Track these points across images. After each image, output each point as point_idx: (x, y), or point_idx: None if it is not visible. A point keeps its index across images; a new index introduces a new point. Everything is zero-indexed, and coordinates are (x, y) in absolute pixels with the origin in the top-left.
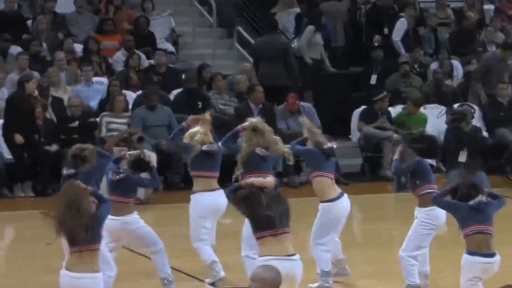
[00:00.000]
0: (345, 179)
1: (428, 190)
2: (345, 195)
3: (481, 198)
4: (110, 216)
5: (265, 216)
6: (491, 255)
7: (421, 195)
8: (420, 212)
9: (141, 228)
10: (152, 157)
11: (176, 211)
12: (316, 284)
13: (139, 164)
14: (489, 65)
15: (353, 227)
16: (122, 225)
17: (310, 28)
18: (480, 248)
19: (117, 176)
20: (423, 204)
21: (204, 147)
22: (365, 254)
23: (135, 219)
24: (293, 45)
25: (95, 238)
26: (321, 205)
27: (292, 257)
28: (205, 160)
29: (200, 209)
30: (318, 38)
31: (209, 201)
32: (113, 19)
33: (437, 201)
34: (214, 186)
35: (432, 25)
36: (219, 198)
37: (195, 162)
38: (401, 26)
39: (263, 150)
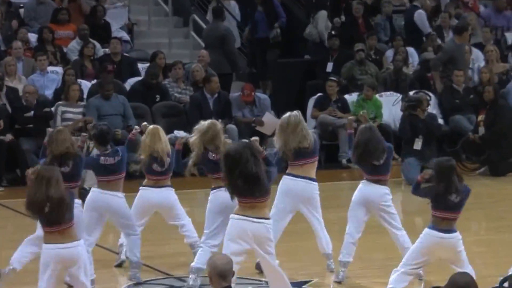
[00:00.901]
0: None
1: None
2: None
3: None
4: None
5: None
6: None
7: None
8: None
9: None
10: None
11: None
12: None
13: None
14: (451, 54)
15: None
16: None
17: (324, 13)
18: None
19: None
20: None
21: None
22: None
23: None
24: (307, 31)
25: (72, 215)
26: None
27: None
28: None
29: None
30: (328, 22)
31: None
32: (68, 8)
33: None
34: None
35: (387, 12)
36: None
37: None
38: (422, 17)
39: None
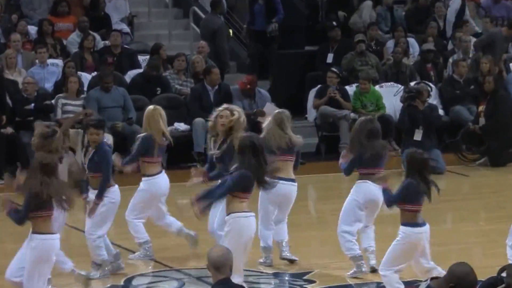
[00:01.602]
0: (301, 159)
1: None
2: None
3: None
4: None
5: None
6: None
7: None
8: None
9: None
10: (110, 139)
11: (131, 193)
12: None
13: None
14: (494, 38)
15: (309, 206)
16: None
17: (369, 3)
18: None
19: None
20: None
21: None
22: (321, 234)
23: None
24: (352, 21)
25: None
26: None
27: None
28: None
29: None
30: (373, 12)
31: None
32: (67, 0)
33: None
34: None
35: (388, 3)
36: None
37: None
38: (456, 6)
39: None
